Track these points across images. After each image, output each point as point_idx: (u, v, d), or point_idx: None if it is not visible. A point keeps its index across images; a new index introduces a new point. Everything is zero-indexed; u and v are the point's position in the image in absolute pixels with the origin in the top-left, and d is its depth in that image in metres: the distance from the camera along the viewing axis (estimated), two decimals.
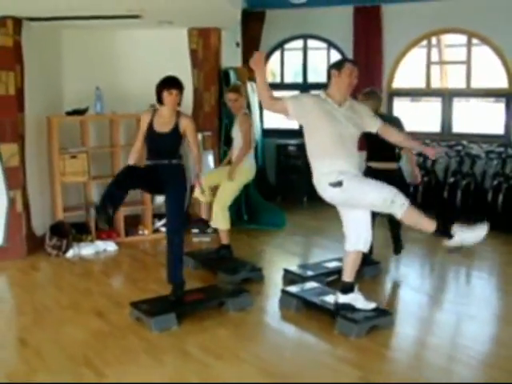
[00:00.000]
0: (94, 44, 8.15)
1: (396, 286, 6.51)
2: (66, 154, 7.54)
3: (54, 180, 7.65)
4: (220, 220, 6.68)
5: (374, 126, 5.18)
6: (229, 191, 6.66)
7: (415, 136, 9.19)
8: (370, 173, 6.03)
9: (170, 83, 5.47)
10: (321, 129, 4.95)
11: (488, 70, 10.00)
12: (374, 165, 6.47)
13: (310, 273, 6.36)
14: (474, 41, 9.45)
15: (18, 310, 5.95)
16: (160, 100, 5.49)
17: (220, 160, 8.22)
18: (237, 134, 6.73)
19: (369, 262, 6.27)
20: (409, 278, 6.75)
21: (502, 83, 9.35)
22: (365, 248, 5.20)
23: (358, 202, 4.92)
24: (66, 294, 6.17)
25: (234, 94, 6.73)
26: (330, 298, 5.49)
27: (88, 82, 7.76)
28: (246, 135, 6.61)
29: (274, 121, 11.60)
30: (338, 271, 6.39)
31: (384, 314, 5.27)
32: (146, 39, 8.25)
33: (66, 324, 5.35)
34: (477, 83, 9.73)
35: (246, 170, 6.71)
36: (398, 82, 10.07)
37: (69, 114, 7.66)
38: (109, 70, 8.17)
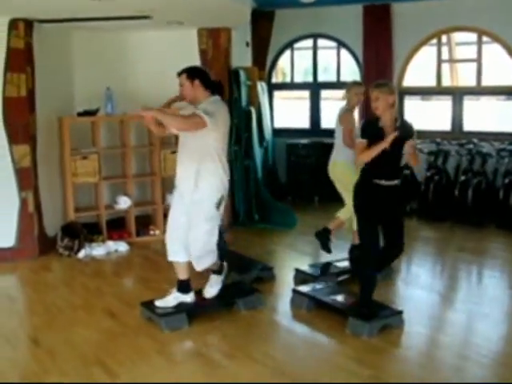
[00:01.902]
0: (104, 45, 8.18)
1: (407, 285, 6.49)
2: (77, 155, 7.57)
3: (65, 181, 7.68)
4: None
5: None
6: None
7: (425, 135, 9.26)
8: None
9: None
10: None
11: (498, 68, 9.97)
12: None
13: (321, 272, 6.37)
14: (485, 39, 9.41)
15: (30, 311, 5.98)
16: None
17: (231, 159, 8.21)
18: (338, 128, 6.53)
19: None
20: (420, 277, 6.73)
21: None
22: None
23: None
24: (77, 295, 6.20)
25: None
26: (341, 298, 5.50)
27: (99, 82, 7.78)
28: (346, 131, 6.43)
29: (284, 120, 11.63)
30: (349, 271, 6.43)
31: (396, 313, 5.27)
32: (156, 40, 8.27)
33: (77, 324, 5.37)
34: (487, 81, 9.69)
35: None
36: (409, 81, 10.04)
37: (80, 114, 7.69)
38: (119, 70, 8.20)
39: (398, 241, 5.22)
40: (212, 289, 5.55)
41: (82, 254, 7.37)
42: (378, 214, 5.11)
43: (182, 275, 5.40)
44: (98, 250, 7.49)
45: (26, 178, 7.15)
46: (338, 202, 6.47)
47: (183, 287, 5.41)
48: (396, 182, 5.13)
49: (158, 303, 5.36)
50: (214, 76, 8.22)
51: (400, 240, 5.22)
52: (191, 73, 5.27)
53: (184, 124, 5.10)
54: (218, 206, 5.18)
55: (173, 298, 5.39)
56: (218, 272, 5.55)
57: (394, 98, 5.02)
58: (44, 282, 6.66)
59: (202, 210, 5.13)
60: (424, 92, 11.02)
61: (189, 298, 5.41)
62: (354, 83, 6.51)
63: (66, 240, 7.36)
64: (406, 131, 5.02)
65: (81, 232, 7.47)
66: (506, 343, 5.08)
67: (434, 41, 9.87)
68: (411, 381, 4.33)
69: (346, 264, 6.58)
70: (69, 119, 7.61)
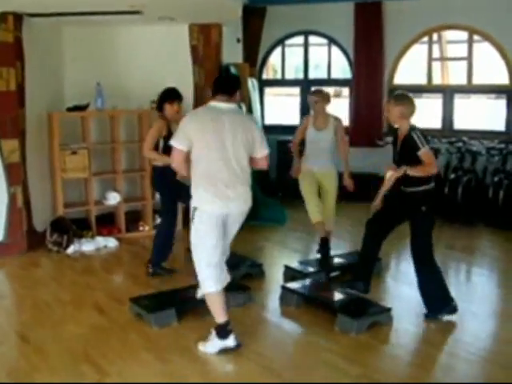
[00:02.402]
0: (94, 40, 8.14)
1: (397, 282, 6.50)
2: (66, 150, 7.53)
3: (54, 176, 7.65)
4: None
5: None
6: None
7: None
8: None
9: None
10: None
11: (489, 67, 10.00)
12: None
13: (310, 269, 6.38)
14: (475, 37, 9.44)
15: (19, 307, 5.95)
16: None
17: None
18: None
19: None
20: (409, 274, 6.71)
21: (503, 79, 9.34)
22: None
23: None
24: (66, 291, 6.17)
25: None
26: (330, 295, 5.51)
27: (89, 77, 7.73)
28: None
29: (275, 117, 11.63)
30: (340, 267, 6.44)
31: (384, 311, 5.28)
32: (147, 35, 8.23)
33: (66, 320, 5.35)
34: (478, 79, 9.72)
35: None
36: (399, 79, 10.06)
37: (70, 109, 7.66)
38: (109, 65, 8.16)
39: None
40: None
41: (71, 249, 7.34)
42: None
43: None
44: (87, 245, 7.46)
45: (15, 174, 7.11)
46: None
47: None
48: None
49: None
50: (204, 72, 8.33)
51: None
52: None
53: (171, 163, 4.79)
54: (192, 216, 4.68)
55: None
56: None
57: (400, 109, 5.08)
58: (33, 278, 6.63)
59: None
60: (415, 90, 10.93)
61: None
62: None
63: (55, 235, 7.33)
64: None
65: (70, 228, 7.45)
66: (495, 341, 5.11)
67: (425, 39, 9.90)
68: (399, 379, 4.34)
69: (336, 261, 6.60)
70: (58, 114, 7.57)
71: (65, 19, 7.28)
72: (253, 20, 10.09)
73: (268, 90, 11.24)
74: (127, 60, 8.27)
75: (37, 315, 5.50)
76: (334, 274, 6.37)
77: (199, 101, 8.34)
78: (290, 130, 10.67)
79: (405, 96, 5.22)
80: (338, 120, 6.57)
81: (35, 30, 7.32)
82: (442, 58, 11.08)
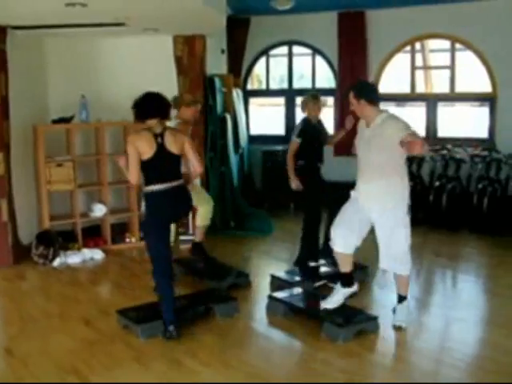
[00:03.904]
0: (78, 52, 8.13)
1: (383, 290, 6.52)
2: (51, 163, 7.51)
3: (40, 188, 7.62)
4: None
5: None
6: None
7: None
8: None
9: None
10: None
11: (472, 75, 10.08)
12: None
13: (297, 278, 6.39)
14: (458, 46, 9.52)
15: (5, 320, 5.91)
16: None
17: (207, 166, 8.24)
18: None
19: (357, 267, 6.26)
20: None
21: (485, 87, 9.41)
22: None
23: None
24: (53, 303, 6.15)
25: None
26: (317, 304, 5.52)
27: (73, 90, 7.73)
28: None
29: (260, 127, 11.66)
30: (326, 276, 6.44)
31: (371, 319, 5.29)
32: (131, 46, 8.24)
33: (53, 333, 5.33)
34: (461, 88, 9.79)
35: None
36: (383, 87, 10.11)
37: (55, 122, 7.64)
38: (94, 77, 8.16)
39: None
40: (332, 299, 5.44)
41: (57, 262, 7.31)
42: None
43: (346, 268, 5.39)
44: (73, 258, 7.44)
45: (0, 186, 7.08)
46: None
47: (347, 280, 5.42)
48: None
49: (327, 305, 5.37)
50: (188, 83, 8.36)
51: None
52: None
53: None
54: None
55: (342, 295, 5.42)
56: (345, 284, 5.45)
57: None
58: (18, 291, 6.61)
59: None
60: (398, 98, 11.07)
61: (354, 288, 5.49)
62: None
63: (40, 248, 7.30)
64: None
65: (56, 240, 7.42)
66: (481, 347, 5.14)
67: (408, 48, 9.97)
68: None
69: (322, 270, 6.61)
70: (43, 127, 7.56)
71: (49, 31, 7.28)
72: (237, 31, 10.12)
73: (253, 100, 11.27)
74: (112, 71, 8.27)
75: (23, 328, 5.47)
76: (320, 283, 6.37)
77: None
78: (274, 140, 10.77)
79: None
80: None
81: (19, 43, 7.30)
82: (425, 67, 11.17)
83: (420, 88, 10.39)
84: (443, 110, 10.16)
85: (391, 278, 5.60)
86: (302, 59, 10.94)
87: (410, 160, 9.14)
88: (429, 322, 5.63)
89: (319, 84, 10.67)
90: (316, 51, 10.48)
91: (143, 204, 5.47)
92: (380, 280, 6.62)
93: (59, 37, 7.83)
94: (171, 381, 4.44)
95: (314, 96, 6.70)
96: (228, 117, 8.85)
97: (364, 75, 9.88)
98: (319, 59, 10.52)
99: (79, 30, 7.26)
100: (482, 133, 9.64)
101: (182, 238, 7.90)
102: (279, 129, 11.15)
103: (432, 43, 10.61)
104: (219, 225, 8.53)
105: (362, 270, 6.56)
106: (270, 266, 7.27)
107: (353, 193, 5.29)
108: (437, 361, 4.77)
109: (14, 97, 7.22)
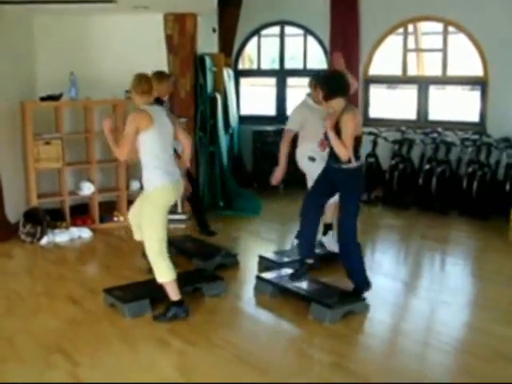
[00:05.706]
0: (67, 29, 8.03)
1: (371, 272, 6.49)
2: (40, 141, 7.45)
3: (28, 166, 7.56)
4: None
5: None
6: None
7: (390, 123, 9.38)
8: None
9: None
10: None
11: (464, 58, 10.04)
12: None
13: (285, 259, 6.37)
14: (451, 29, 9.47)
15: None
16: None
17: (196, 146, 8.20)
18: None
19: None
20: (384, 264, 6.77)
21: (477, 71, 9.39)
22: None
23: None
24: (39, 282, 6.13)
25: None
26: (305, 284, 5.51)
27: (62, 67, 7.65)
28: None
29: (251, 107, 11.61)
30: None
31: (359, 300, 5.30)
32: (121, 24, 8.15)
33: (39, 312, 5.32)
34: (453, 71, 9.76)
35: None
36: (375, 69, 10.07)
37: (43, 99, 7.57)
38: (83, 55, 8.07)
39: None
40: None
41: (44, 240, 7.27)
42: None
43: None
44: (61, 236, 7.40)
45: None
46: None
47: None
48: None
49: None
50: (179, 62, 8.28)
51: None
52: None
53: None
54: None
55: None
56: None
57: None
58: (5, 269, 6.57)
59: None
60: (390, 81, 11.07)
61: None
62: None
63: (28, 226, 7.25)
64: None
65: (43, 218, 7.37)
66: (468, 330, 5.15)
67: (401, 30, 9.91)
68: (372, 369, 4.36)
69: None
70: (31, 104, 7.49)
71: (37, 8, 7.18)
72: (228, 10, 10.02)
73: (244, 81, 11.20)
74: (101, 49, 8.18)
75: (9, 306, 5.45)
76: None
77: (174, 90, 8.30)
78: (265, 120, 10.73)
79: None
80: None
81: (6, 19, 7.21)
82: (418, 50, 11.13)
83: (412, 71, 10.35)
84: (434, 93, 10.13)
85: None
86: (294, 40, 10.88)
87: (401, 143, 9.16)
88: (416, 304, 5.65)
89: (310, 65, 10.61)
90: (308, 32, 10.41)
91: None
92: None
93: (48, 14, 7.74)
94: (157, 361, 4.43)
95: None
96: (218, 96, 8.79)
97: (356, 57, 9.82)
98: (311, 40, 10.45)
99: (68, 7, 7.17)
100: (473, 117, 9.62)
101: (170, 217, 7.85)
102: (270, 109, 11.10)
103: (425, 26, 10.56)
104: (208, 204, 8.50)
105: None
106: (258, 247, 7.26)
107: None
108: (424, 343, 4.77)
109: (1, 74, 7.16)
